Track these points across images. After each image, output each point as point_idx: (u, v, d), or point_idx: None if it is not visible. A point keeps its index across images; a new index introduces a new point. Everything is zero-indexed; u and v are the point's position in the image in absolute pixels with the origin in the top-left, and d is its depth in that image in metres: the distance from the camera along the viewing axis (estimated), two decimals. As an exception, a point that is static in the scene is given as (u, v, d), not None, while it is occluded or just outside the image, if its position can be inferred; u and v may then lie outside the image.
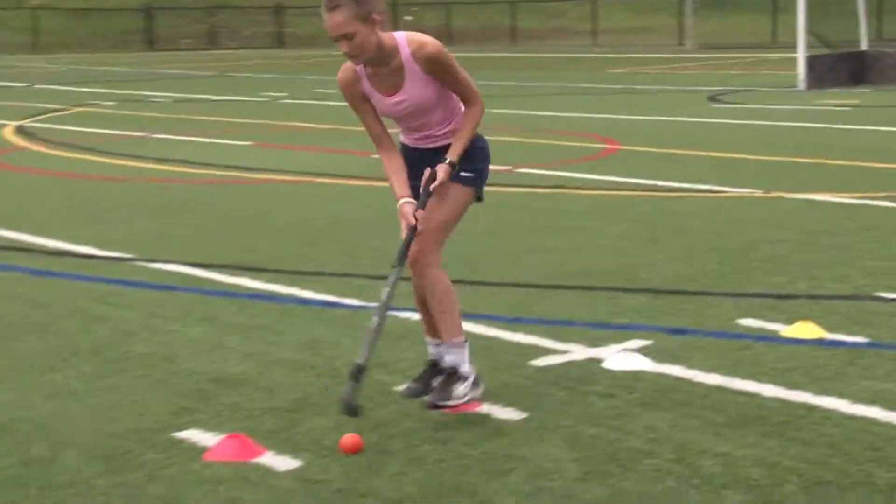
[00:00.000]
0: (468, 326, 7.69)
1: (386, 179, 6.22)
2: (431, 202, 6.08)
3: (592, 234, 11.32)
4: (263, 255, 10.37)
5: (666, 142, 18.61)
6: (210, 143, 19.27)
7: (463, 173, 6.07)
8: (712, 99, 26.91)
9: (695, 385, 6.68)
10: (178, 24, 54.84)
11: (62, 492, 5.37)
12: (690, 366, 7.00)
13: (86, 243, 11.04)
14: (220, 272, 9.74)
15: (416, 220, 5.98)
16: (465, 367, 6.13)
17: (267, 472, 5.53)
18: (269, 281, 9.36)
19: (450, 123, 6.13)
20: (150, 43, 53.84)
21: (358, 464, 5.58)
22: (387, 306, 6.11)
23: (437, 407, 6.06)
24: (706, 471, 5.38)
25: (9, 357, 7.56)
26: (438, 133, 6.11)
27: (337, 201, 13.64)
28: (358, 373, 5.82)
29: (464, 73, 5.95)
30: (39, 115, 24.19)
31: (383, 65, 5.78)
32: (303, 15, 55.41)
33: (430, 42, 5.78)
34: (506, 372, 6.99)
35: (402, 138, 6.31)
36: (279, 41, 55.74)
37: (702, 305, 8.59)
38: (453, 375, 6.09)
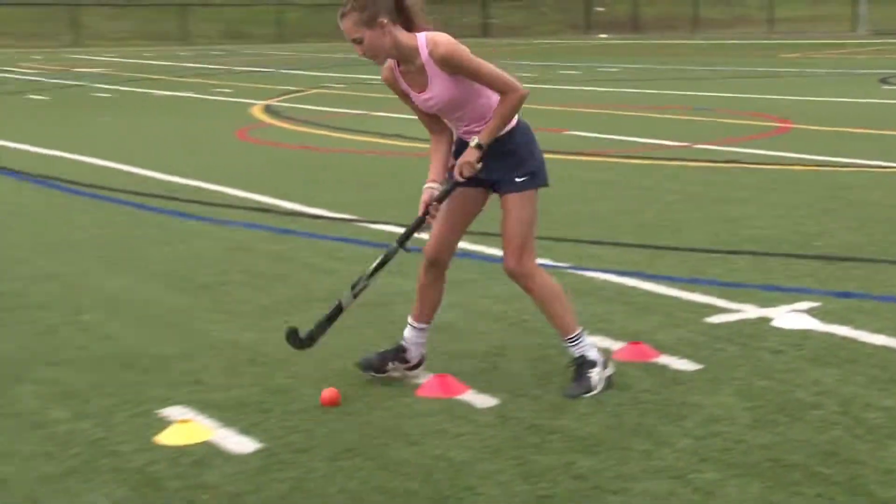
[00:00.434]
0: (649, 286, 7.74)
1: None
2: (505, 216, 5.96)
3: (766, 204, 11.13)
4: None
5: (837, 121, 18.26)
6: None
7: (517, 179, 5.89)
8: (883, 81, 26.32)
9: (861, 344, 6.57)
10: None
11: (298, 416, 5.58)
12: (857, 326, 6.88)
13: (318, 206, 11.22)
14: (429, 233, 9.83)
15: (433, 210, 5.96)
16: (592, 354, 5.95)
17: (469, 407, 5.63)
18: (473, 242, 9.42)
19: (490, 119, 5.86)
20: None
21: (547, 405, 5.65)
22: (366, 283, 6.16)
23: (576, 397, 5.81)
24: (871, 423, 5.32)
25: (255, 302, 7.78)
26: (477, 130, 5.84)
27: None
28: (332, 317, 6.04)
29: (488, 68, 5.71)
30: (283, 95, 24.60)
31: (409, 63, 5.69)
32: (505, 7, 55.45)
33: (442, 42, 5.60)
34: (682, 328, 6.96)
35: (455, 132, 6.07)
36: (485, 31, 55.70)
37: (871, 272, 8.40)
38: (584, 365, 5.91)
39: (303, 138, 17.19)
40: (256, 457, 5.10)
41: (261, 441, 5.27)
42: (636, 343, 6.50)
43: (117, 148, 15.89)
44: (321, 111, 21.04)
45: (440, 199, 5.90)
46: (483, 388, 5.88)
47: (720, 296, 7.68)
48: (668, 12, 56.43)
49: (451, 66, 5.55)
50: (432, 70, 5.59)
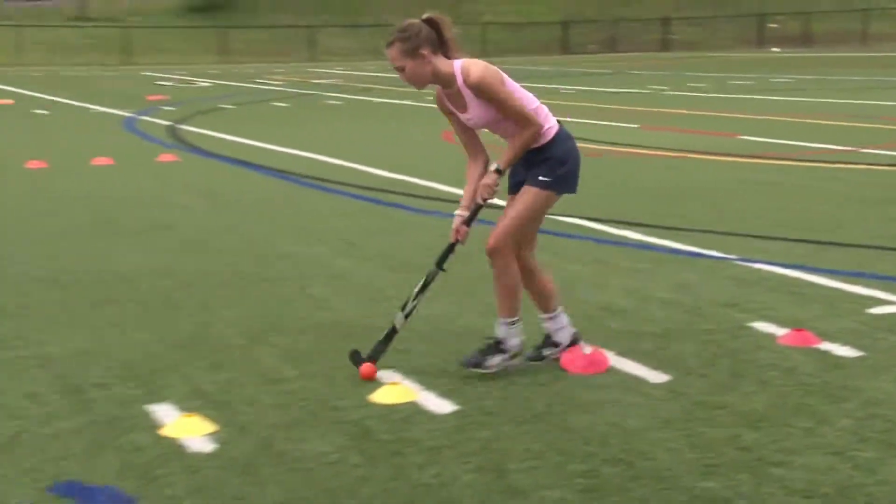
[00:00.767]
0: (813, 278, 7.67)
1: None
2: (510, 200, 5.91)
3: None
4: (643, 213, 10.38)
5: None
6: (606, 125, 19.29)
7: (540, 177, 5.76)
8: None
9: None
10: (587, 33, 54.89)
11: (491, 383, 5.70)
12: None
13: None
14: (609, 226, 9.82)
15: (460, 235, 5.85)
16: (511, 343, 5.89)
17: (643, 382, 5.65)
18: (647, 234, 9.40)
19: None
20: (565, 48, 54.09)
21: (715, 383, 5.63)
22: (415, 303, 5.93)
23: (469, 367, 5.82)
24: None
25: (457, 282, 7.85)
26: None
27: (705, 172, 13.52)
28: (389, 337, 5.80)
29: (513, 101, 5.58)
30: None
31: (449, 87, 5.65)
32: (684, 25, 54.79)
33: (474, 71, 5.53)
34: (844, 317, 6.83)
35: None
36: (664, 46, 55.11)
37: None
38: (495, 346, 5.87)
39: (499, 139, 17.27)
40: (453, 417, 5.22)
41: (457, 403, 5.38)
42: (799, 330, 6.40)
43: (345, 148, 16.16)
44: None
45: (468, 223, 5.86)
46: (655, 366, 5.90)
47: (883, 289, 7.52)
48: (839, 27, 55.13)
49: (481, 92, 5.54)
50: (467, 94, 5.59)
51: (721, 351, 6.19)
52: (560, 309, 6.07)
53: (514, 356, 5.93)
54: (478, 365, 5.81)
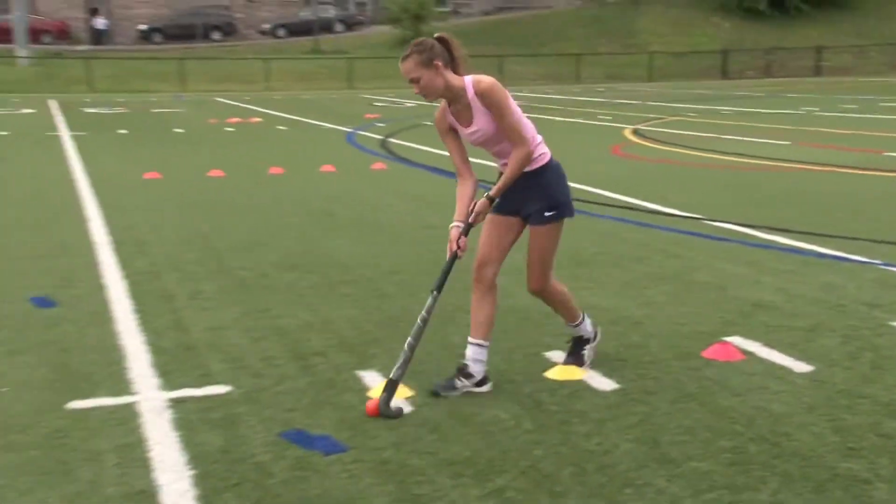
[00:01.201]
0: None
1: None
2: (531, 247, 5.51)
3: None
4: (792, 220, 10.12)
5: None
6: (761, 142, 18.88)
7: (545, 214, 5.42)
8: None
9: None
10: (744, 61, 53.81)
11: (648, 366, 5.67)
12: None
13: (671, 206, 11.15)
14: (760, 230, 9.64)
15: (459, 246, 5.37)
16: (588, 331, 5.75)
17: (788, 371, 5.55)
18: (795, 239, 9.20)
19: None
20: (724, 74, 53.17)
21: (858, 374, 5.51)
22: (421, 330, 5.29)
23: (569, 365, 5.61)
24: None
25: (618, 277, 7.83)
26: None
27: (851, 184, 13.10)
28: (391, 387, 5.04)
29: (512, 116, 5.27)
30: (648, 121, 24.40)
31: (458, 102, 5.34)
32: (835, 52, 53.32)
33: (485, 79, 5.30)
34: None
35: (498, 165, 5.53)
36: (817, 71, 53.70)
37: None
38: (580, 341, 5.71)
39: (662, 154, 17.07)
40: (615, 394, 5.22)
41: (618, 383, 5.38)
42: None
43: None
44: (677, 133, 20.80)
45: (465, 235, 5.43)
46: (800, 357, 5.78)
47: None
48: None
49: (488, 99, 5.24)
50: (476, 105, 5.29)
51: (864, 346, 6.04)
52: (488, 344, 5.51)
53: (595, 338, 5.80)
54: (578, 363, 5.65)
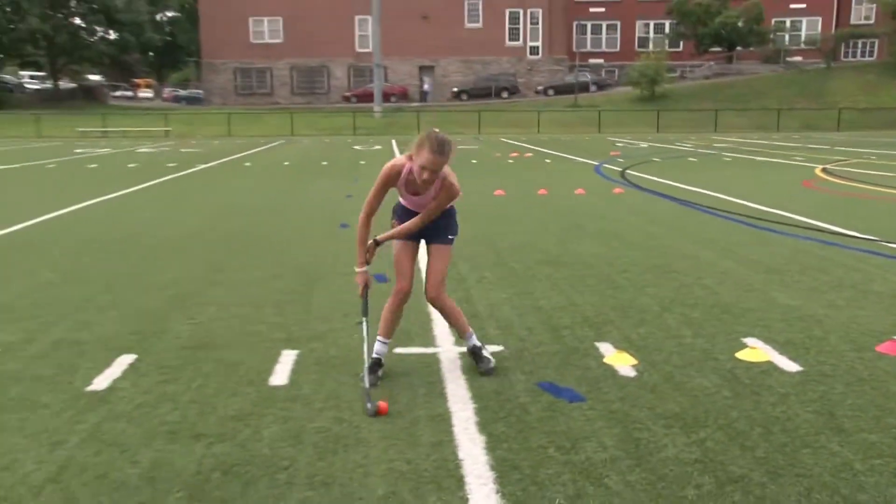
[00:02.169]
0: None
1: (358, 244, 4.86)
2: (434, 259, 5.00)
3: None
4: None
5: None
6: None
7: (450, 236, 4.99)
8: None
9: None
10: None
11: (826, 355, 5.27)
12: None
13: (853, 229, 10.37)
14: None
15: (362, 287, 4.91)
16: (477, 342, 5.04)
17: (939, 363, 5.07)
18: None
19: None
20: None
21: None
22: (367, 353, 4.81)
23: (491, 371, 4.89)
24: None
25: (806, 284, 7.35)
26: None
27: None
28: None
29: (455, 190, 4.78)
30: (836, 163, 22.86)
31: (432, 181, 4.67)
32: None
33: (450, 174, 4.76)
34: None
35: (404, 202, 4.95)
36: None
37: None
38: (479, 349, 4.95)
39: (845, 188, 15.99)
40: (798, 375, 4.91)
41: (801, 366, 5.04)
42: None
43: (731, 187, 15.54)
44: (860, 172, 19.42)
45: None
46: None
47: None
48: None
49: (446, 187, 4.75)
50: (435, 188, 4.72)
51: None
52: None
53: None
54: (491, 363, 4.96)
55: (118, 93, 79.65)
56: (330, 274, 7.76)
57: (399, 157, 4.82)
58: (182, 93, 75.92)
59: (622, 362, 5.04)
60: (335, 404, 4.42)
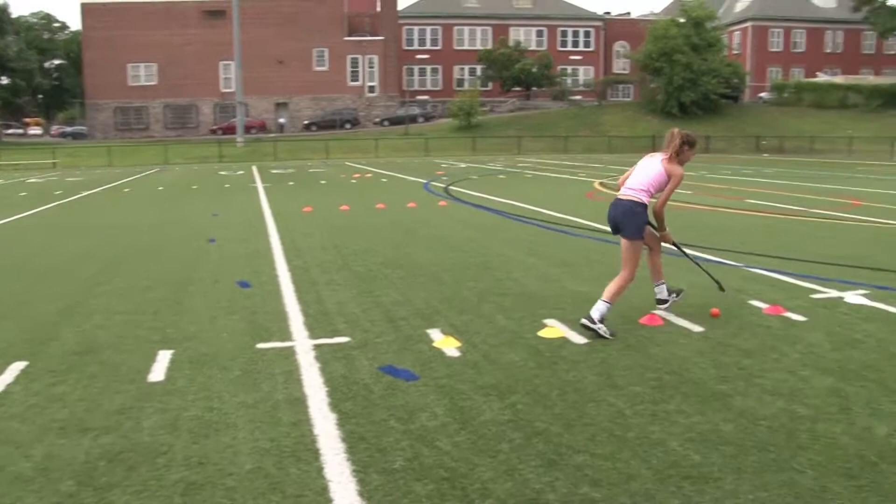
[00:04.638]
0: (787, 279, 7.11)
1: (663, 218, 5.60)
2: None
3: (835, 241, 9.93)
4: (693, 239, 9.81)
5: (886, 201, 16.22)
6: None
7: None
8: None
9: None
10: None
11: (615, 327, 5.46)
12: None
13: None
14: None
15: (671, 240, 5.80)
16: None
17: (689, 331, 5.37)
18: (698, 250, 8.93)
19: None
20: (654, 150, 52.37)
21: (728, 333, 5.31)
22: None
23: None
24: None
25: (592, 273, 7.58)
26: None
27: (734, 219, 12.78)
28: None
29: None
30: (608, 177, 23.98)
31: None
32: (716, 139, 52.35)
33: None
34: (799, 299, 6.36)
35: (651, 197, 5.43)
36: (706, 150, 52.76)
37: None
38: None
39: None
40: (585, 346, 5.11)
41: (588, 339, 5.23)
42: (775, 305, 5.98)
43: (532, 198, 16.02)
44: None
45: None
46: (697, 323, 5.61)
47: (818, 284, 6.97)
48: (798, 146, 51.65)
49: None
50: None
51: (732, 315, 5.86)
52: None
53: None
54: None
55: (10, 131, 74.22)
56: (200, 282, 7.46)
57: (670, 160, 5.37)
58: (68, 129, 71.56)
59: (448, 345, 5.07)
60: (206, 395, 4.24)
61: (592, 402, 4.03)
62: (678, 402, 4.02)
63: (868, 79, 65.72)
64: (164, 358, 4.94)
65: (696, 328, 5.48)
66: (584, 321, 5.24)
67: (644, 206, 5.37)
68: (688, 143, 5.39)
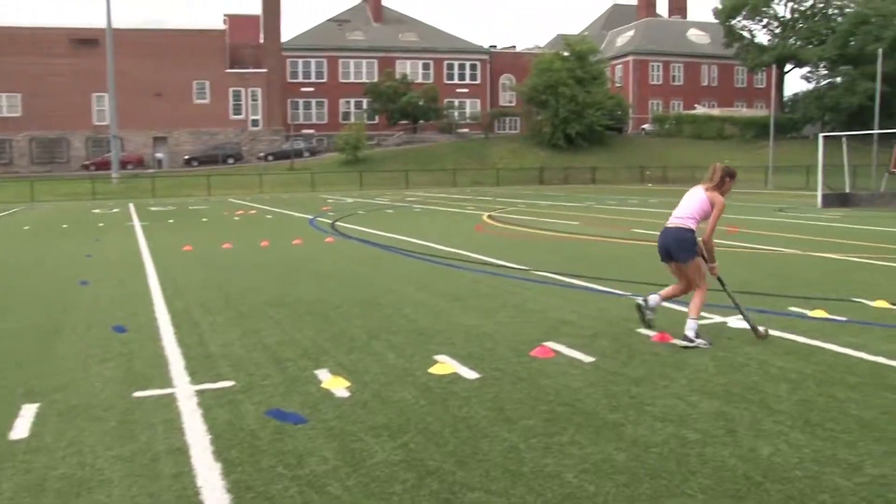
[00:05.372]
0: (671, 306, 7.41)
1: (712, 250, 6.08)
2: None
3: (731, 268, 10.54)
4: (582, 269, 10.14)
5: (762, 227, 17.33)
6: (560, 222, 19.09)
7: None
8: (780, 210, 24.72)
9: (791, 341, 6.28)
10: (552, 174, 54.33)
11: (497, 362, 5.51)
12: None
13: (512, 262, 11.15)
14: (565, 276, 9.65)
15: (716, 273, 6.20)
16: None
17: (580, 361, 5.51)
18: (585, 281, 9.26)
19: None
20: (541, 181, 53.46)
21: (618, 362, 5.48)
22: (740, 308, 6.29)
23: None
24: (773, 371, 5.09)
25: (481, 307, 7.68)
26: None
27: (616, 248, 13.31)
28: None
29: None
30: (498, 210, 24.40)
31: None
32: (601, 170, 54.52)
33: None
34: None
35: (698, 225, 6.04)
36: (593, 181, 54.61)
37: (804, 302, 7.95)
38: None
39: (505, 230, 17.16)
40: (477, 381, 5.15)
41: (479, 373, 5.29)
42: (663, 333, 6.25)
43: (421, 232, 16.16)
44: (514, 217, 20.94)
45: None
46: (587, 352, 5.76)
47: (718, 313, 7.31)
48: (680, 175, 54.50)
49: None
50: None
51: (622, 344, 6.07)
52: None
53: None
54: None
55: None
56: (71, 328, 7.08)
57: (713, 190, 5.95)
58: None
59: (337, 385, 5.00)
60: (77, 450, 4.01)
61: (486, 438, 4.06)
62: (571, 433, 4.11)
63: (742, 111, 70.45)
64: (28, 412, 4.63)
65: (587, 358, 5.63)
66: (683, 343, 5.84)
67: (692, 231, 5.96)
68: (729, 176, 6.02)
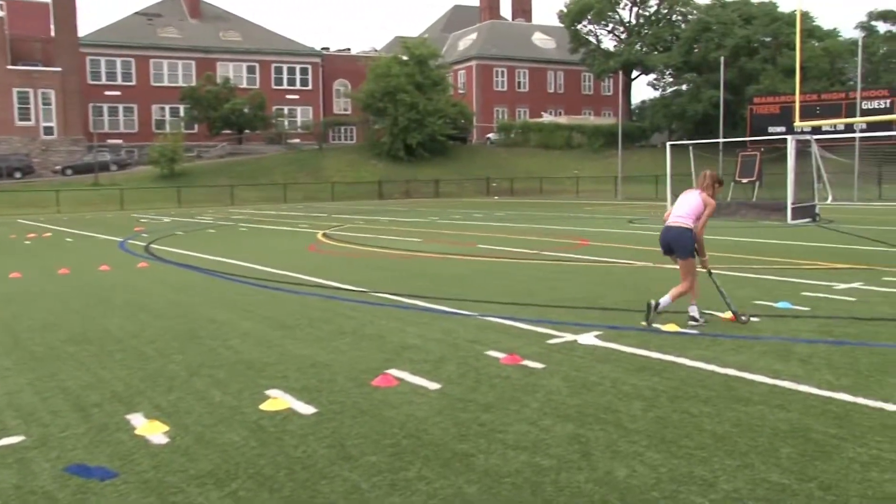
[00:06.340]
0: (519, 324, 7.63)
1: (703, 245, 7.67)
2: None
3: (575, 282, 11.11)
4: (424, 289, 10.33)
5: (611, 240, 18.24)
6: (404, 239, 19.31)
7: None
8: (630, 221, 26.19)
9: (622, 353, 6.58)
10: (392, 187, 54.92)
11: (336, 395, 5.49)
12: (620, 344, 6.87)
13: (347, 283, 11.14)
14: (404, 297, 9.79)
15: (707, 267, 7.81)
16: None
17: (425, 389, 5.58)
18: (427, 302, 9.39)
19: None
20: (380, 196, 53.82)
21: (466, 388, 5.59)
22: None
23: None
24: (625, 389, 5.37)
25: (315, 334, 7.64)
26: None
27: (459, 266, 13.59)
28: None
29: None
30: (333, 227, 24.26)
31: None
32: (446, 183, 55.58)
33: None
34: (535, 345, 6.88)
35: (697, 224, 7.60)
36: (436, 194, 55.51)
37: (622, 314, 8.32)
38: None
39: (341, 249, 17.14)
40: (314, 416, 5.10)
41: (316, 408, 5.25)
42: (512, 354, 6.46)
43: (248, 254, 15.83)
44: (351, 235, 20.96)
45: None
46: (432, 379, 5.83)
47: (554, 329, 7.60)
48: (528, 186, 56.58)
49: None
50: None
51: (469, 369, 6.19)
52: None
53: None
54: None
55: None
56: None
57: (703, 192, 7.62)
58: None
59: (154, 431, 4.79)
60: None
61: (325, 479, 4.02)
62: (418, 467, 4.15)
63: (590, 119, 74.14)
64: None
65: (433, 385, 5.71)
66: (692, 324, 7.55)
67: (690, 230, 7.50)
68: (718, 183, 7.67)
